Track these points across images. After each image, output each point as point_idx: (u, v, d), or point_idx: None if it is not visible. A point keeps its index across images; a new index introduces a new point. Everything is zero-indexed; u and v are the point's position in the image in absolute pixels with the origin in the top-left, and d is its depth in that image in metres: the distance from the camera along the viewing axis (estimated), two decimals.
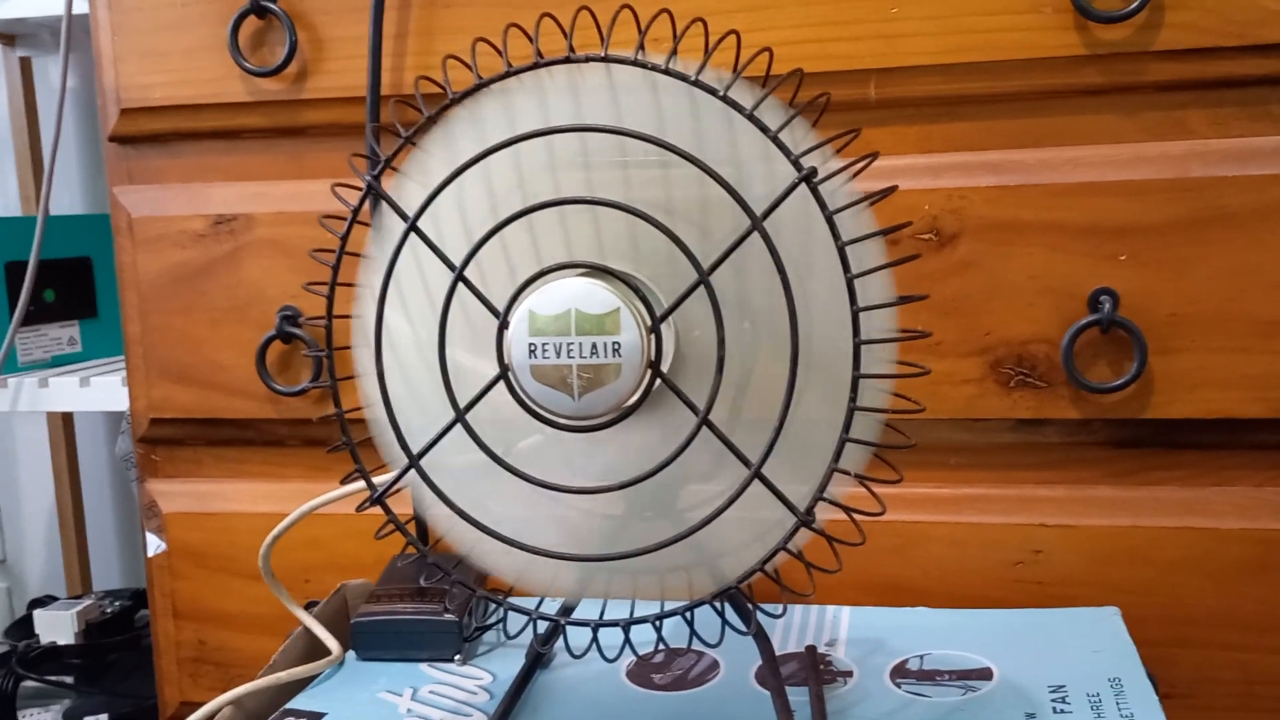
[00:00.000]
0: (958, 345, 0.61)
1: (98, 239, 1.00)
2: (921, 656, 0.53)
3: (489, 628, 0.58)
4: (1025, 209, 0.59)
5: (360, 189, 0.40)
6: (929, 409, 0.61)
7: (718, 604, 0.40)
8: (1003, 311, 0.60)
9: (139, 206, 0.70)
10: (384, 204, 0.40)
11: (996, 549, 0.61)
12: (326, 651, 0.56)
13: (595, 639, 0.40)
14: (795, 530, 0.38)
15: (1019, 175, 0.59)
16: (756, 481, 0.38)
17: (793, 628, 0.57)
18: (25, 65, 1.19)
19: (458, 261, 0.38)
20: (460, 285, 0.38)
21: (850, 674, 0.51)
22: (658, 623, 0.39)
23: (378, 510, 0.42)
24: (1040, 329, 0.60)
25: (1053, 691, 0.48)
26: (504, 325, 0.38)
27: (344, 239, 0.40)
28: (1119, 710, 0.46)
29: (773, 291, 0.38)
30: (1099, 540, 0.60)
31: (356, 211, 0.39)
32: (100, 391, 0.89)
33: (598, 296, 0.37)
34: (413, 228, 0.39)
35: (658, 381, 0.38)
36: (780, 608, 0.41)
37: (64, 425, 1.24)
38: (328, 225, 0.40)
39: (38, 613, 0.97)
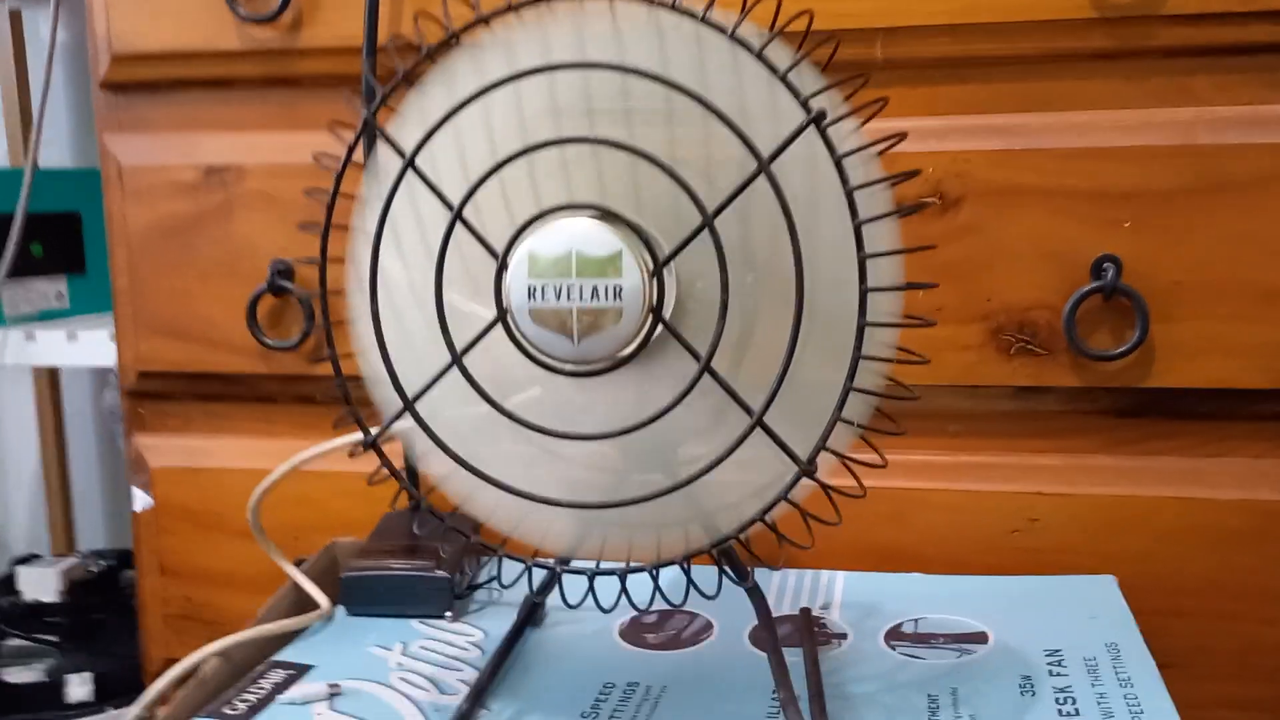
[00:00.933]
0: (959, 311, 0.60)
1: (87, 194, 0.99)
2: (916, 620, 0.53)
3: (481, 585, 0.58)
4: (1029, 173, 0.58)
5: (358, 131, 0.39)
6: (929, 375, 0.60)
7: (715, 556, 0.39)
8: (1005, 277, 0.59)
9: (129, 155, 0.68)
10: (380, 145, 0.39)
11: (993, 516, 0.61)
12: (315, 607, 0.56)
13: (591, 588, 0.39)
14: (796, 480, 0.37)
15: (1024, 139, 0.59)
16: (757, 439, 0.37)
17: (787, 591, 0.57)
18: (15, 18, 1.17)
19: (456, 202, 0.38)
20: (458, 228, 0.38)
21: (845, 636, 0.51)
22: (654, 572, 0.39)
23: (369, 467, 0.41)
24: (1042, 295, 0.59)
25: (1049, 655, 0.48)
26: (503, 267, 0.37)
27: (339, 176, 0.39)
28: (1117, 675, 0.45)
29: (777, 245, 0.37)
30: (1096, 509, 0.60)
31: (352, 148, 0.38)
32: (88, 346, 0.88)
33: (600, 239, 0.36)
34: (410, 165, 0.38)
35: (659, 328, 0.37)
36: (779, 561, 0.41)
37: (50, 381, 1.22)
38: (322, 161, 0.39)
39: (21, 569, 0.96)
